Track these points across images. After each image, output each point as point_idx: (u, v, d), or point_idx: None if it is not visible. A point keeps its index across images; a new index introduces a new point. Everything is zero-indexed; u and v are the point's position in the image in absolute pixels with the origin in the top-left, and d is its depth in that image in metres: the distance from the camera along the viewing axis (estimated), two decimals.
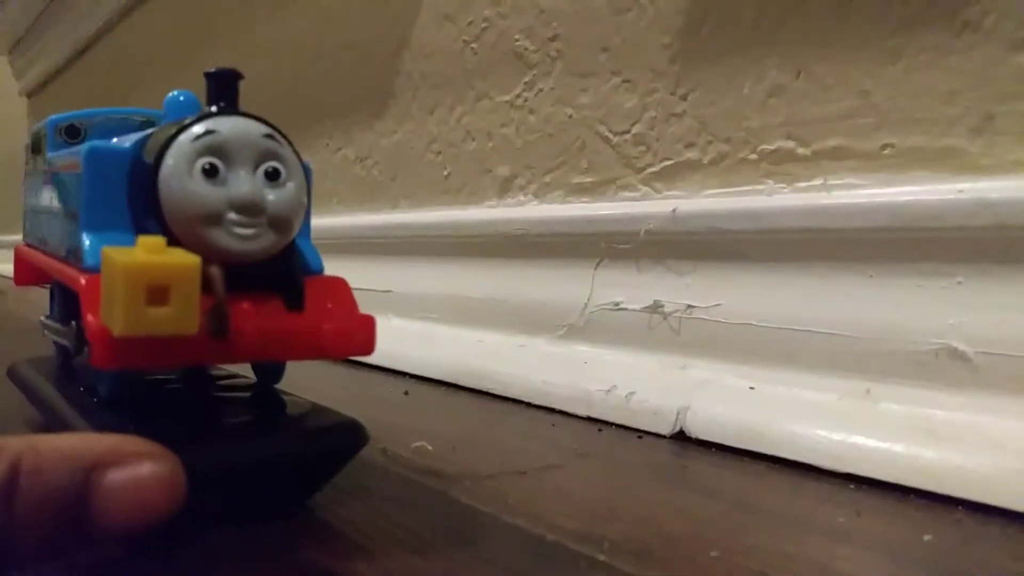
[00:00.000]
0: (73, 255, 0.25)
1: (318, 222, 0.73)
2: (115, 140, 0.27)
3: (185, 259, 0.19)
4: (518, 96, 0.52)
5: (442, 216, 0.57)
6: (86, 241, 0.24)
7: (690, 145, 0.41)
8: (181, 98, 0.26)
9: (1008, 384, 0.28)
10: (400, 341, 0.54)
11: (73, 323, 0.29)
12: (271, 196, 0.23)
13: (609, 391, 0.39)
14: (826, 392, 0.33)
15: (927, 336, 0.30)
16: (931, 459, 0.27)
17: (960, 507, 0.26)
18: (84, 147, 0.25)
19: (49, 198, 0.31)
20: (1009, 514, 0.25)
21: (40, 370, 0.34)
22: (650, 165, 0.43)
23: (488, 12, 0.53)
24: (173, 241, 0.21)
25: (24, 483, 0.17)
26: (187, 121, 0.23)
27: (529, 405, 0.42)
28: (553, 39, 0.49)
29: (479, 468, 0.30)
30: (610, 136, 0.45)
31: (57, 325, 0.32)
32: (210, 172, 0.22)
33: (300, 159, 0.25)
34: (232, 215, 0.22)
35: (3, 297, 1.19)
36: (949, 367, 0.30)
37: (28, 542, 0.17)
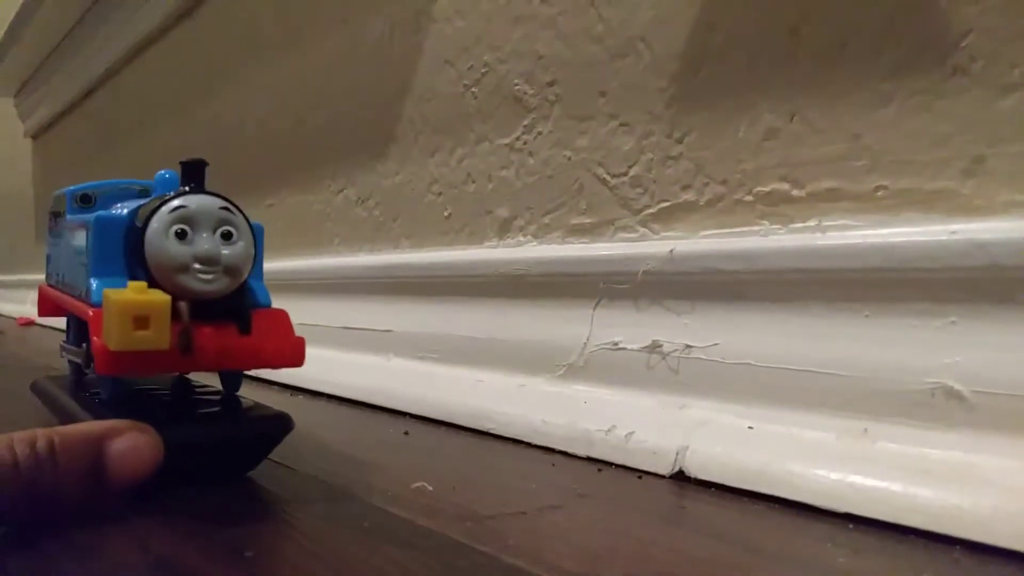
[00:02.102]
0: (85, 294, 0.34)
1: (320, 262, 0.74)
2: (115, 208, 0.36)
3: (159, 297, 0.29)
4: (517, 139, 0.52)
5: (443, 256, 0.57)
6: (93, 284, 0.33)
7: (687, 187, 0.42)
8: (167, 175, 0.34)
9: (1004, 423, 0.28)
10: (400, 381, 0.55)
11: (84, 345, 0.37)
12: (225, 251, 0.31)
13: (608, 431, 0.39)
14: (824, 431, 0.33)
15: (923, 375, 0.31)
16: (928, 498, 0.27)
17: (958, 547, 0.26)
18: (92, 215, 0.34)
19: (66, 250, 0.40)
20: (1007, 553, 0.25)
21: (57, 383, 0.44)
22: (647, 207, 0.44)
23: (488, 57, 0.55)
24: (154, 284, 0.30)
25: (59, 452, 0.26)
26: (167, 197, 0.32)
27: (529, 445, 0.42)
28: (551, 84, 0.50)
29: (479, 508, 0.30)
30: (608, 178, 0.46)
31: (72, 347, 0.42)
32: (181, 235, 0.31)
33: (250, 223, 0.33)
34: (196, 265, 0.31)
35: (3, 337, 1.19)
36: (945, 406, 0.30)
37: (67, 491, 0.26)
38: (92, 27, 1.42)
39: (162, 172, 0.34)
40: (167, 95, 1.16)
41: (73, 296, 0.38)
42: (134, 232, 0.32)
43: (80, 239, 0.36)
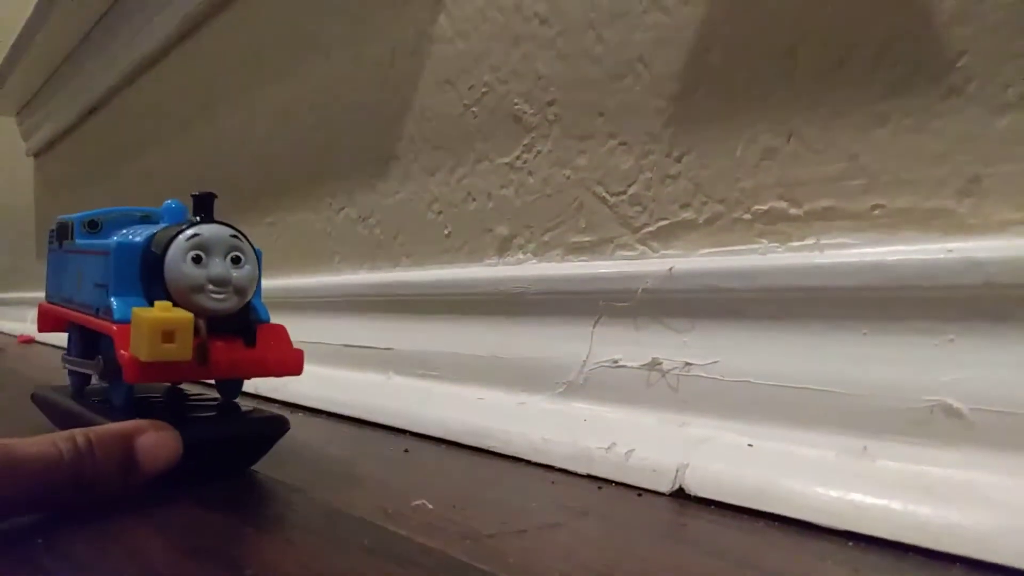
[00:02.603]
0: (104, 312, 0.37)
1: (321, 280, 0.74)
2: (124, 234, 0.40)
3: (184, 315, 0.33)
4: (517, 158, 0.53)
5: (443, 274, 0.57)
6: (114, 303, 0.36)
7: (685, 205, 0.42)
8: (173, 205, 0.38)
9: (1002, 441, 0.28)
10: (400, 398, 0.55)
11: (99, 357, 0.39)
12: (235, 274, 0.36)
13: (608, 448, 0.39)
14: (824, 449, 0.33)
15: (922, 393, 0.31)
16: (928, 516, 0.28)
17: (958, 564, 0.26)
18: (113, 241, 0.38)
19: (76, 271, 0.43)
20: (1006, 571, 0.25)
21: (59, 393, 0.46)
22: (646, 225, 0.44)
23: (488, 77, 0.55)
24: (174, 303, 0.34)
25: (96, 447, 0.30)
26: (183, 227, 0.36)
27: (529, 463, 0.42)
28: (551, 103, 0.50)
29: (479, 527, 0.30)
30: (607, 197, 0.46)
31: (79, 359, 0.44)
32: (196, 260, 0.35)
33: (254, 248, 0.37)
34: (210, 287, 0.35)
35: (3, 354, 1.19)
36: (944, 424, 0.30)
37: (104, 480, 0.30)
38: (95, 47, 1.43)
39: (169, 202, 0.39)
40: (169, 115, 1.17)
41: (86, 313, 0.40)
42: (151, 257, 0.36)
43: (94, 263, 0.40)
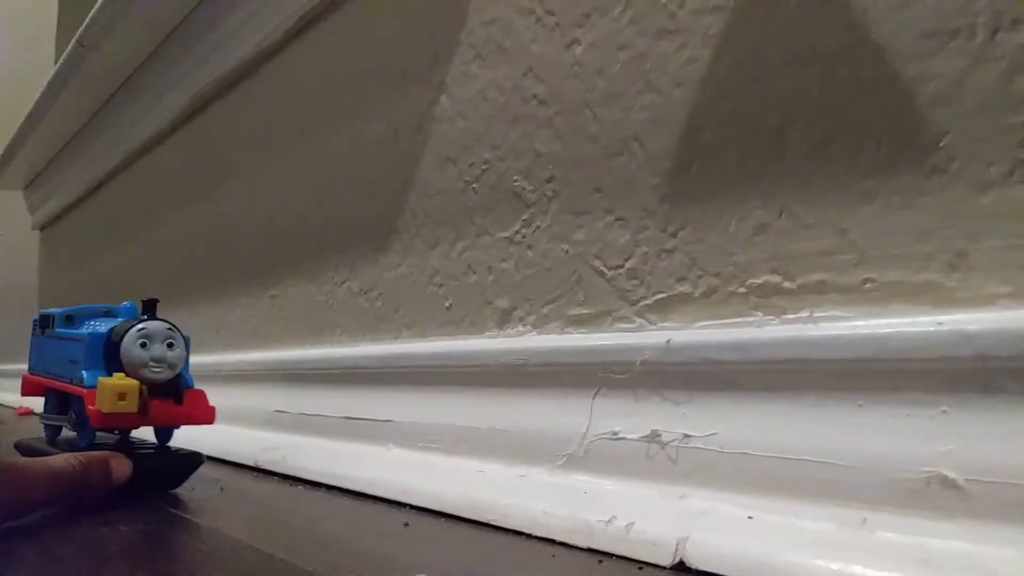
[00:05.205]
0: (77, 381, 0.53)
1: (322, 352, 0.75)
2: (95, 326, 0.55)
3: (133, 382, 0.50)
4: (517, 232, 0.54)
5: (443, 346, 0.58)
6: (84, 374, 0.52)
7: (681, 279, 0.43)
8: (128, 305, 0.56)
9: (1000, 512, 0.29)
10: (400, 471, 0.55)
11: (71, 412, 0.56)
12: (169, 355, 0.53)
13: (609, 522, 0.39)
14: (823, 521, 0.33)
15: (918, 464, 0.31)
16: None
17: None
18: (85, 331, 0.54)
19: (55, 351, 0.60)
20: None
21: (37, 442, 0.62)
22: (644, 298, 0.45)
23: (488, 155, 0.57)
24: (125, 375, 0.51)
25: (91, 464, 0.46)
26: (134, 322, 0.53)
27: (529, 536, 0.42)
28: (549, 180, 0.52)
29: None
30: (605, 270, 0.47)
31: (54, 415, 0.61)
32: (143, 345, 0.52)
33: (183, 335, 0.54)
34: (152, 363, 0.52)
35: (2, 427, 1.19)
36: (941, 495, 0.30)
37: (96, 485, 0.47)
38: (102, 126, 1.46)
39: (125, 303, 0.56)
40: (174, 190, 1.19)
41: (63, 381, 0.57)
42: (111, 343, 0.52)
43: (71, 346, 0.56)
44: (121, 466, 0.48)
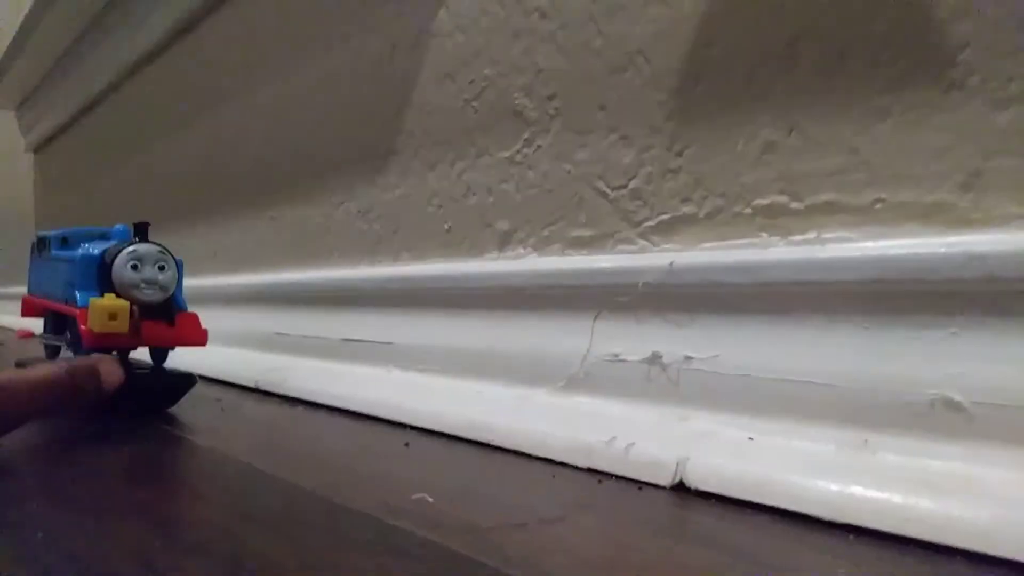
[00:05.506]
0: (71, 301, 0.54)
1: (321, 274, 0.74)
2: (89, 248, 0.55)
3: (123, 302, 0.50)
4: (517, 152, 0.53)
5: (443, 269, 0.57)
6: (77, 295, 0.53)
7: (686, 200, 0.42)
8: (120, 228, 0.56)
9: (1003, 434, 0.28)
10: (400, 393, 0.55)
11: (66, 332, 0.58)
12: (160, 277, 0.53)
13: (609, 443, 0.39)
14: (824, 443, 0.33)
15: (923, 387, 0.31)
16: (929, 509, 0.28)
17: (958, 557, 0.26)
18: (78, 253, 0.55)
19: (51, 273, 0.61)
20: (1008, 563, 0.25)
21: (37, 360, 0.62)
22: (647, 219, 0.44)
23: (488, 71, 0.55)
24: (118, 295, 0.51)
25: (78, 370, 0.45)
26: (126, 244, 0.53)
27: (529, 457, 0.42)
28: (551, 97, 0.50)
29: (479, 520, 0.30)
30: (608, 191, 0.46)
31: (51, 335, 0.64)
32: (134, 267, 0.52)
33: (175, 258, 0.54)
34: (143, 285, 0.52)
35: (3, 348, 1.19)
36: (945, 417, 0.30)
37: (87, 391, 0.45)
38: (94, 42, 1.43)
39: (118, 226, 0.57)
40: (168, 110, 1.16)
41: (58, 302, 0.58)
42: (104, 265, 0.53)
43: (65, 267, 0.57)
44: (111, 371, 0.47)
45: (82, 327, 0.50)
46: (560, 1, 0.49)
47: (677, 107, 0.42)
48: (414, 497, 0.32)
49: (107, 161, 1.47)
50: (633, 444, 0.38)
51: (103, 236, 0.59)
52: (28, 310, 0.67)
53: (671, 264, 0.40)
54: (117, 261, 0.52)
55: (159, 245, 0.53)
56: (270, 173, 0.86)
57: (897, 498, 0.29)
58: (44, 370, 0.43)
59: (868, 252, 0.33)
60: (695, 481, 0.35)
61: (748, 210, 0.39)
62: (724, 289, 0.38)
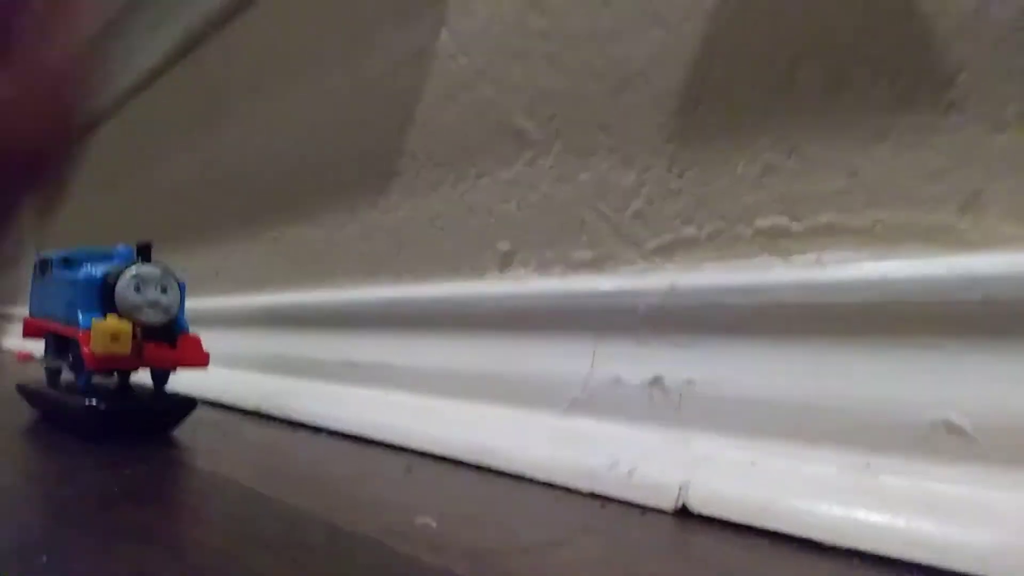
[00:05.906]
0: (73, 323, 0.53)
1: (322, 295, 0.74)
2: (91, 270, 0.54)
3: (125, 325, 0.49)
4: (519, 173, 0.53)
5: (444, 290, 0.57)
6: (80, 317, 0.52)
7: (687, 221, 0.42)
8: (123, 248, 0.55)
9: (1006, 456, 0.28)
10: (402, 416, 0.54)
11: (69, 355, 0.55)
12: (163, 299, 0.53)
13: (611, 466, 0.39)
14: (827, 466, 0.33)
15: (924, 409, 0.31)
16: (932, 533, 0.27)
17: None
18: (80, 274, 0.54)
19: (54, 294, 0.60)
20: None
21: (38, 385, 0.63)
22: (648, 241, 0.44)
23: (489, 92, 0.55)
24: (120, 317, 0.51)
25: None
26: (129, 265, 0.53)
27: (532, 481, 0.42)
28: (552, 118, 0.50)
29: (483, 545, 0.30)
30: (609, 212, 0.46)
31: (53, 358, 0.61)
32: (137, 288, 0.52)
33: (178, 280, 0.54)
34: (146, 307, 0.52)
35: (1, 371, 1.19)
36: (947, 440, 0.30)
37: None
38: (95, 62, 1.43)
39: (120, 247, 0.56)
40: (171, 129, 1.17)
41: (60, 324, 0.57)
42: (106, 286, 0.52)
43: (68, 288, 0.56)
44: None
45: (84, 349, 0.50)
46: (562, 23, 0.50)
47: (678, 129, 0.43)
48: (417, 522, 0.32)
49: (109, 180, 1.48)
50: (636, 468, 0.38)
51: (106, 256, 0.58)
52: (29, 331, 0.68)
53: (672, 286, 0.40)
54: (120, 282, 0.52)
55: (162, 266, 0.54)
56: (272, 193, 0.87)
57: (900, 522, 0.28)
58: None
59: (868, 274, 0.33)
60: (698, 505, 0.35)
61: (749, 231, 0.39)
62: (725, 311, 0.38)
